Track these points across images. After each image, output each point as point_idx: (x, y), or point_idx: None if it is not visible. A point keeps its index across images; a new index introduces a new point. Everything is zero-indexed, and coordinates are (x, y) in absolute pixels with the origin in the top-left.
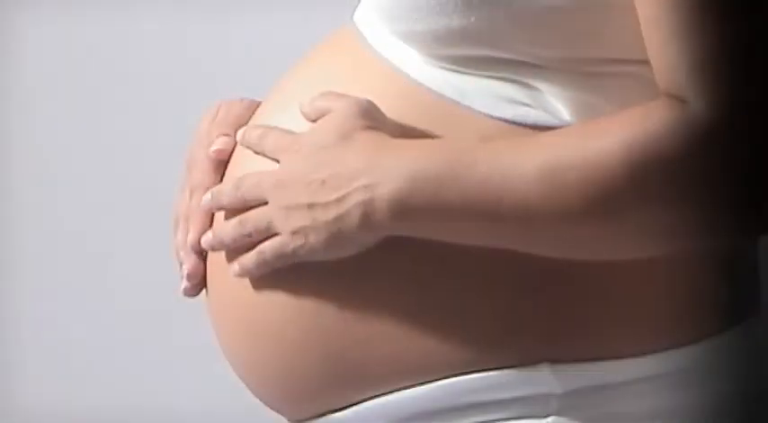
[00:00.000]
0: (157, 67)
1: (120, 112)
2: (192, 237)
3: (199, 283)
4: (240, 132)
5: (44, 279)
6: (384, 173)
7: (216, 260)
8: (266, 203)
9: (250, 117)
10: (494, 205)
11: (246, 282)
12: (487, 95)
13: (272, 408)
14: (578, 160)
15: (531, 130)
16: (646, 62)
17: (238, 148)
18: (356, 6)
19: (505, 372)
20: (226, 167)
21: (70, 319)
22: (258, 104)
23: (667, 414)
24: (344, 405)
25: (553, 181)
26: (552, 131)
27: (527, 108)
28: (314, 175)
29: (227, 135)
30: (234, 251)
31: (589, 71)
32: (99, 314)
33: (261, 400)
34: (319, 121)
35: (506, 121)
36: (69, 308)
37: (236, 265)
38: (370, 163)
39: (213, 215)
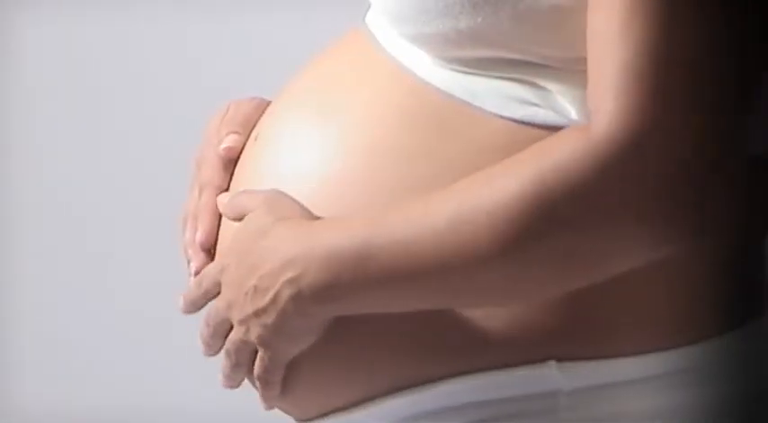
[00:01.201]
0: (157, 67)
1: (119, 112)
2: (200, 235)
3: None
4: (183, 300)
5: (44, 279)
6: (304, 263)
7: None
8: None
9: (260, 116)
10: (415, 269)
11: None
12: (497, 96)
13: (278, 407)
14: (487, 204)
15: (541, 130)
16: None
17: (247, 146)
18: (357, 6)
19: (513, 370)
20: (235, 165)
21: (70, 319)
22: (268, 103)
23: (672, 413)
24: (350, 405)
25: (463, 229)
26: (462, 180)
27: (536, 108)
28: (248, 283)
29: (236, 133)
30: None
31: None
32: (99, 314)
33: None
34: (238, 228)
35: (516, 121)
36: (69, 308)
37: (262, 402)
38: (288, 256)
39: (221, 214)
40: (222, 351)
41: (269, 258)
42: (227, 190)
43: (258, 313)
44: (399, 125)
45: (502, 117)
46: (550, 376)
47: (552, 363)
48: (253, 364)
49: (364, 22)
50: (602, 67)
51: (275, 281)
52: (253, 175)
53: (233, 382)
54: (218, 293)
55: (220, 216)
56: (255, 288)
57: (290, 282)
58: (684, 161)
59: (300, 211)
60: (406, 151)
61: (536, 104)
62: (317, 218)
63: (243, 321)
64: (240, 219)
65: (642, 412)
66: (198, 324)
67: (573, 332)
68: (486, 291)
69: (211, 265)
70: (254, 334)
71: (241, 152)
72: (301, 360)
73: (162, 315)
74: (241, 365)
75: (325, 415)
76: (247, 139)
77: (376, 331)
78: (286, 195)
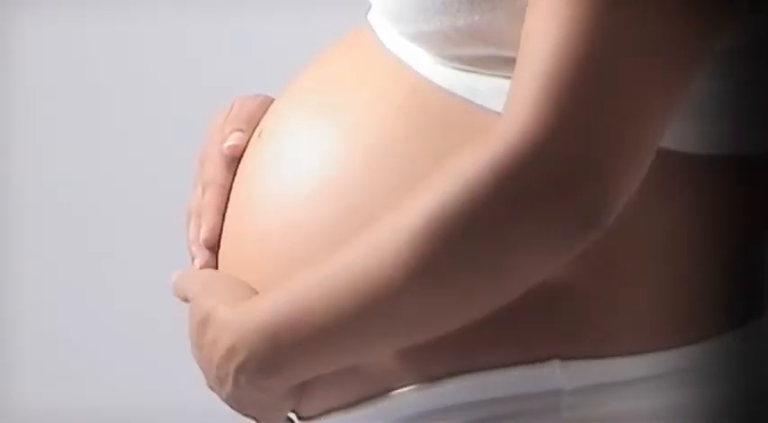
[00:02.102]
0: (157, 67)
1: (119, 112)
2: (204, 233)
3: None
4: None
5: (44, 279)
6: (243, 347)
7: (228, 256)
8: None
9: (263, 113)
10: (338, 318)
11: (257, 279)
12: (499, 94)
13: None
14: (390, 233)
15: None
16: None
17: (251, 143)
18: (358, 6)
19: (515, 369)
20: (239, 163)
21: (70, 319)
22: (272, 101)
23: (674, 412)
24: (352, 403)
25: (372, 262)
26: (374, 223)
27: None
28: (212, 373)
29: (240, 131)
30: None
31: None
32: (99, 314)
33: None
34: (187, 316)
35: None
36: (69, 308)
37: None
38: (228, 345)
39: (225, 211)
40: None
41: (215, 351)
42: (230, 187)
43: (234, 397)
44: (401, 124)
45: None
46: (552, 375)
47: (555, 362)
48: None
49: (365, 21)
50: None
51: (227, 370)
52: (255, 173)
53: None
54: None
55: (224, 213)
56: (216, 378)
57: (239, 367)
58: (577, 164)
59: (235, 290)
60: (408, 150)
61: None
62: (254, 293)
63: (229, 398)
64: (185, 300)
65: (644, 412)
66: None
67: (575, 331)
68: (407, 323)
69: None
70: (244, 407)
71: (244, 149)
72: None
73: (162, 315)
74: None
75: (325, 413)
76: (251, 137)
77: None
78: (220, 274)
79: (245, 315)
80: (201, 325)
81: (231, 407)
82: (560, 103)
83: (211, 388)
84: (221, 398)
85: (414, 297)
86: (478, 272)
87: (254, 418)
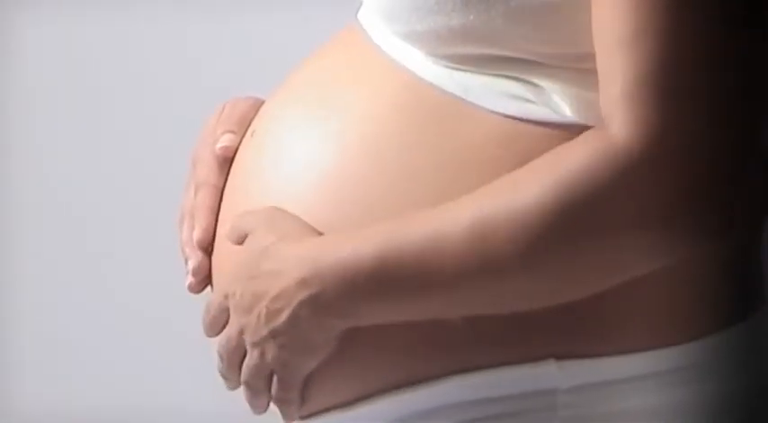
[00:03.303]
0: (157, 66)
1: (119, 112)
2: (197, 234)
3: (204, 279)
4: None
5: (44, 279)
6: (320, 281)
7: (222, 257)
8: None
9: (255, 114)
10: (434, 281)
11: None
12: (491, 92)
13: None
14: (506, 213)
15: (535, 126)
16: None
17: (243, 143)
18: (358, 6)
19: (511, 368)
20: (231, 164)
21: (70, 319)
22: (263, 102)
23: (671, 410)
24: (347, 403)
25: (482, 240)
26: (480, 189)
27: (531, 104)
28: (258, 307)
29: (232, 132)
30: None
31: (590, 67)
32: (99, 314)
33: None
34: (238, 253)
35: (511, 117)
36: (69, 308)
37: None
38: (300, 276)
39: (218, 212)
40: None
41: (277, 281)
42: (223, 189)
43: (274, 334)
44: (395, 121)
45: (496, 113)
46: (549, 374)
47: (551, 361)
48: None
49: (356, 20)
50: (616, 73)
51: (290, 301)
52: (249, 173)
53: (261, 408)
54: (227, 320)
55: (217, 215)
56: (268, 308)
57: (307, 301)
58: (699, 172)
59: (301, 228)
60: (403, 145)
61: (531, 101)
62: (320, 233)
63: (257, 344)
64: (240, 241)
65: (641, 410)
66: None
67: (572, 330)
68: (504, 299)
69: (214, 292)
70: (270, 355)
71: (237, 150)
72: None
73: (162, 315)
74: (261, 392)
75: (322, 412)
76: (243, 138)
77: (374, 330)
78: (285, 212)
79: (325, 250)
80: (262, 255)
81: (248, 362)
82: (687, 113)
83: (233, 332)
84: (246, 341)
85: (518, 279)
86: (588, 266)
87: (281, 364)
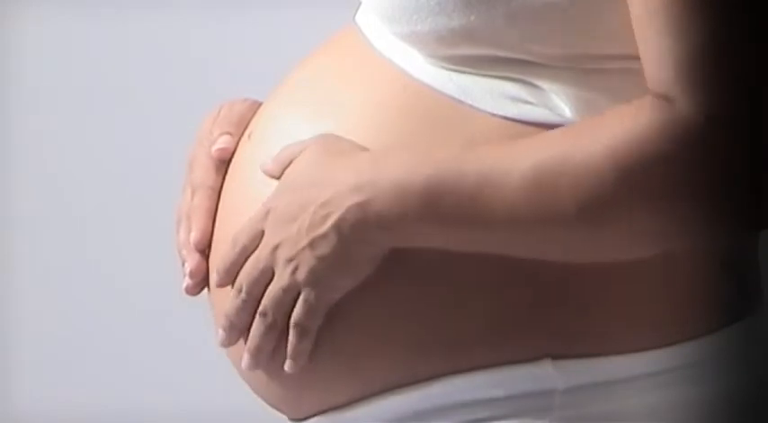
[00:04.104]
0: (157, 66)
1: (120, 112)
2: (194, 235)
3: (201, 282)
4: (218, 272)
5: (44, 279)
6: (373, 190)
7: (219, 258)
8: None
9: (252, 116)
10: (484, 215)
11: None
12: (491, 94)
13: (272, 406)
14: (566, 166)
15: (535, 128)
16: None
17: (240, 145)
18: (356, 6)
19: (507, 368)
20: (227, 166)
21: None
22: (260, 104)
23: (669, 410)
24: (344, 403)
25: (542, 187)
26: (538, 136)
27: (531, 106)
28: (303, 214)
29: (228, 134)
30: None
31: (590, 68)
32: (99, 314)
33: (261, 398)
34: (289, 169)
35: (510, 119)
36: (69, 308)
37: (288, 361)
38: (354, 182)
39: (215, 214)
40: (256, 320)
41: (330, 186)
42: (219, 191)
43: (314, 243)
44: (394, 122)
45: (495, 115)
46: (546, 374)
47: (547, 360)
48: (288, 322)
49: (354, 22)
50: (675, 49)
51: (340, 205)
52: (247, 175)
53: (258, 358)
54: (256, 248)
55: (214, 217)
56: (314, 215)
57: (357, 206)
58: (747, 152)
59: (355, 146)
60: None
61: (530, 102)
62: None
63: (291, 259)
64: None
65: (638, 410)
66: (198, 324)
67: (568, 329)
68: (549, 247)
69: (248, 220)
70: (304, 271)
71: (234, 152)
72: None
73: (162, 316)
74: (276, 326)
75: (319, 413)
76: (240, 139)
77: (371, 331)
78: (336, 135)
79: (381, 165)
80: (314, 167)
81: (273, 287)
82: (742, 91)
83: (263, 253)
84: (278, 258)
85: (570, 230)
86: (638, 229)
87: (313, 281)
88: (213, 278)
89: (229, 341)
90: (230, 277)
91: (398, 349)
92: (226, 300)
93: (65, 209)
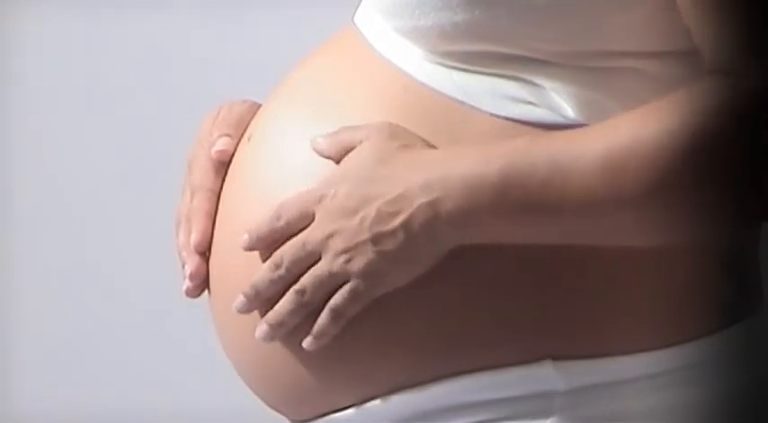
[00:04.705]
0: (157, 66)
1: (120, 112)
2: (194, 237)
3: (201, 284)
4: (249, 236)
5: (44, 280)
6: (443, 187)
7: (220, 261)
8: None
9: (251, 118)
10: (558, 201)
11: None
12: (492, 94)
13: (273, 408)
14: (637, 147)
15: (535, 128)
16: (647, 55)
17: (240, 147)
18: (356, 6)
19: (508, 369)
20: (227, 168)
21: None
22: (260, 106)
23: (670, 411)
24: (346, 405)
25: (613, 171)
26: (604, 122)
27: (531, 106)
28: (366, 209)
29: (228, 136)
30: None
31: (592, 66)
32: (99, 315)
33: (262, 399)
34: (349, 156)
35: (510, 119)
36: (69, 308)
37: (309, 338)
38: (423, 181)
39: (215, 217)
40: (289, 291)
41: (398, 183)
42: (219, 193)
43: (377, 239)
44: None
45: (496, 116)
46: (546, 376)
47: (548, 362)
48: (323, 305)
49: (353, 22)
50: (728, 19)
51: (409, 205)
52: (247, 177)
53: (278, 331)
54: (304, 226)
55: (214, 218)
56: (378, 212)
57: (427, 205)
58: None
59: (420, 139)
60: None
61: (531, 102)
62: (434, 148)
63: (347, 250)
64: (346, 151)
65: (639, 412)
66: (198, 324)
67: (569, 330)
68: (620, 231)
69: (298, 197)
70: (359, 263)
71: (233, 153)
72: (306, 360)
73: (162, 316)
74: (309, 306)
75: (321, 415)
76: (239, 141)
77: (373, 332)
78: (400, 125)
79: (449, 161)
80: (381, 159)
81: (319, 269)
82: None
83: (315, 237)
84: (329, 247)
85: (645, 210)
86: (700, 209)
87: (368, 273)
88: (244, 241)
89: (248, 309)
90: (262, 244)
91: (401, 351)
92: (225, 302)
93: (65, 209)
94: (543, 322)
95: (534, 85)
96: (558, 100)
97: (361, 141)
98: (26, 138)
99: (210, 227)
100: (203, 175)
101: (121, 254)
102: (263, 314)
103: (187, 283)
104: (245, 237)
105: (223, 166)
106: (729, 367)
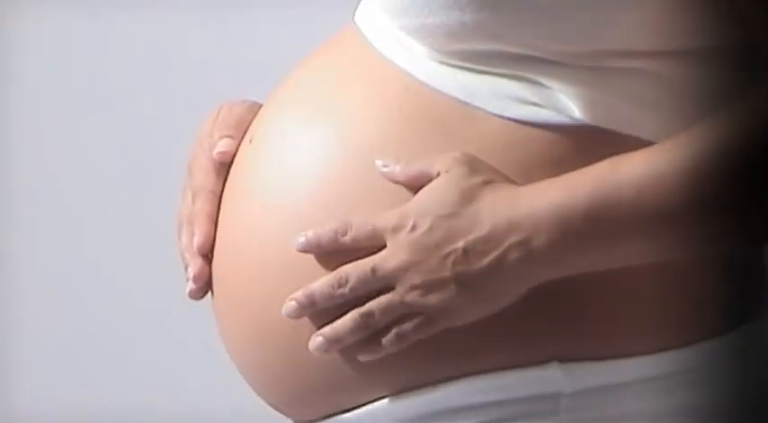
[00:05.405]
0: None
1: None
2: (197, 240)
3: (204, 286)
4: (307, 239)
5: (44, 280)
6: (532, 224)
7: (222, 263)
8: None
9: (252, 118)
10: (650, 219)
11: (257, 284)
12: (496, 95)
13: (277, 409)
14: (715, 158)
15: (540, 129)
16: (654, 55)
17: (241, 148)
18: (356, 6)
19: (514, 371)
20: (228, 170)
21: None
22: (260, 106)
23: (675, 413)
24: (351, 406)
25: (699, 180)
26: (683, 134)
27: (537, 107)
28: (450, 246)
29: (229, 137)
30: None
31: (599, 66)
32: (99, 315)
33: (266, 401)
34: (429, 189)
35: (515, 120)
36: (69, 309)
37: (367, 351)
38: (511, 219)
39: (217, 218)
40: (350, 314)
41: (485, 221)
42: (220, 194)
43: (461, 277)
44: (397, 124)
45: (500, 117)
46: (552, 378)
47: (554, 364)
48: (387, 331)
49: (353, 22)
50: None
51: (498, 244)
52: (249, 178)
53: (334, 347)
54: (370, 248)
55: (216, 220)
56: (465, 251)
57: (518, 245)
58: None
59: (502, 174)
60: (404, 151)
61: (536, 104)
62: (514, 182)
63: (424, 285)
64: (419, 183)
65: (644, 413)
66: (199, 324)
67: (575, 333)
68: (706, 242)
69: (371, 220)
70: (436, 299)
71: (234, 155)
72: (310, 361)
73: (162, 316)
74: (375, 328)
75: (326, 416)
76: (240, 142)
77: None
78: (477, 158)
79: (534, 196)
80: (465, 194)
81: (390, 298)
82: None
83: (390, 266)
84: (405, 279)
85: (724, 217)
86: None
87: (444, 310)
88: (299, 242)
89: (298, 315)
90: (316, 249)
91: (407, 352)
92: (228, 304)
93: (65, 209)
94: (549, 324)
95: (541, 85)
96: (565, 100)
97: (438, 173)
98: (26, 138)
99: (213, 229)
100: (204, 176)
101: (121, 254)
102: (314, 323)
103: (190, 286)
104: (302, 238)
105: (224, 167)
106: (733, 371)
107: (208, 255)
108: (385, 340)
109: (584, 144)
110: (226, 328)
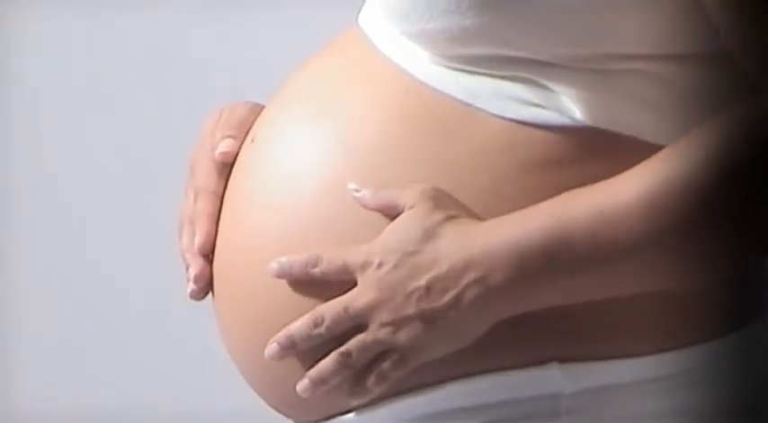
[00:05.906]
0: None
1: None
2: (198, 240)
3: (205, 287)
4: (280, 266)
5: (44, 280)
6: (488, 262)
7: (223, 263)
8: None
9: (254, 119)
10: (605, 252)
11: (259, 284)
12: (497, 96)
13: (277, 410)
14: (677, 184)
15: (542, 130)
16: (656, 58)
17: (243, 149)
18: (360, 6)
19: (514, 372)
20: (230, 170)
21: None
22: (262, 107)
23: (675, 414)
24: (353, 408)
25: (656, 211)
26: (645, 164)
27: (538, 109)
28: (414, 284)
29: (231, 137)
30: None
31: (601, 69)
32: (99, 315)
33: (266, 401)
34: (394, 225)
35: (516, 121)
36: (69, 309)
37: (354, 393)
38: (469, 257)
39: (218, 218)
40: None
41: (444, 259)
42: (222, 194)
43: (425, 315)
44: (398, 126)
45: (502, 118)
46: (552, 378)
47: (554, 364)
48: (368, 367)
49: (356, 24)
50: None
51: (456, 282)
52: (250, 179)
53: (320, 388)
54: (341, 284)
55: (218, 221)
56: (427, 289)
57: (475, 282)
58: None
59: (465, 210)
60: (405, 152)
61: (538, 105)
62: (477, 216)
63: (393, 323)
64: (387, 212)
65: (644, 414)
66: (199, 324)
67: (575, 333)
68: (668, 270)
69: (340, 255)
70: (405, 336)
71: (236, 155)
72: (312, 362)
73: (162, 316)
74: (354, 367)
75: (328, 418)
76: (242, 143)
77: None
78: (444, 191)
79: (491, 232)
80: (427, 232)
81: (364, 337)
82: None
83: (360, 305)
84: (374, 317)
85: (687, 245)
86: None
87: (414, 347)
88: (273, 269)
89: (280, 357)
90: (286, 277)
91: None
92: (229, 305)
93: (65, 209)
94: (549, 325)
95: (542, 87)
96: (567, 102)
97: (404, 208)
98: (26, 138)
99: (214, 229)
100: (206, 177)
101: (121, 254)
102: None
103: (191, 286)
104: (275, 265)
105: (226, 167)
106: (733, 372)
107: (209, 255)
108: (369, 382)
109: (586, 145)
110: (226, 328)
